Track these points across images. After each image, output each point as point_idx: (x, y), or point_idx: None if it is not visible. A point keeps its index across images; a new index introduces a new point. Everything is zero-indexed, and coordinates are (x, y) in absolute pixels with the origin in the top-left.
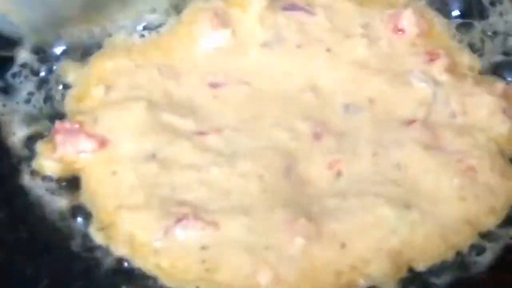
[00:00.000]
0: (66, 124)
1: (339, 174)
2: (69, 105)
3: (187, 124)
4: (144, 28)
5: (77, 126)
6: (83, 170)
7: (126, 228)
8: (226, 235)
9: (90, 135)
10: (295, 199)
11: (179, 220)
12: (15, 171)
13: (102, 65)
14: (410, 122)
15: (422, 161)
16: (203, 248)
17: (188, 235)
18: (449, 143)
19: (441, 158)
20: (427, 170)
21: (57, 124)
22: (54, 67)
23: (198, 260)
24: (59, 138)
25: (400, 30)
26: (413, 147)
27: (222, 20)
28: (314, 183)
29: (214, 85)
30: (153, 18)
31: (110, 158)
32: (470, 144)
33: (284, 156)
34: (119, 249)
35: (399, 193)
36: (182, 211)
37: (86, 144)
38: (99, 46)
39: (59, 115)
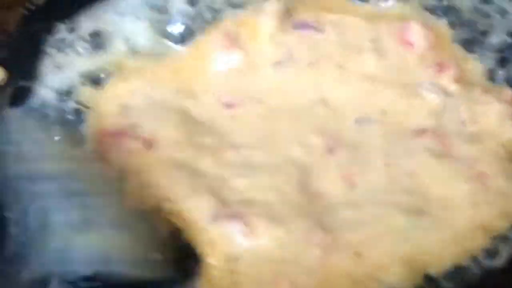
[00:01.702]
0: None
1: (353, 185)
2: (88, 129)
3: (206, 142)
4: (155, 52)
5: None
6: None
7: None
8: (259, 245)
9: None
10: (311, 212)
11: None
12: None
13: (116, 88)
14: (421, 132)
15: (433, 169)
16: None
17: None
18: (459, 150)
19: (452, 166)
20: (438, 177)
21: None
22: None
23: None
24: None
25: (408, 43)
26: (425, 156)
27: (233, 41)
28: (329, 195)
29: (229, 105)
30: (165, 42)
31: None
32: (480, 151)
33: (299, 170)
34: None
35: (412, 201)
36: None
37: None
38: (112, 72)
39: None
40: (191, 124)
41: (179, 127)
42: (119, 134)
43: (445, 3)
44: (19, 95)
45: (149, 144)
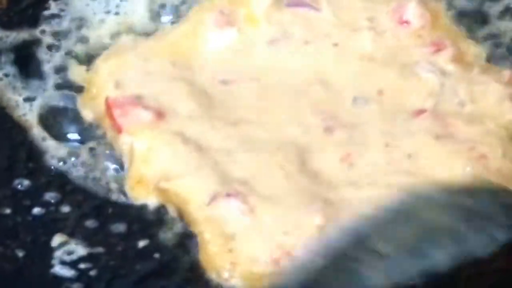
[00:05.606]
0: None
1: (351, 166)
2: (82, 107)
3: (216, 114)
4: (147, 29)
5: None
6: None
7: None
8: (258, 223)
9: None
10: (312, 190)
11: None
12: None
13: (108, 64)
14: (420, 112)
15: (433, 151)
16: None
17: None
18: (459, 131)
19: (452, 147)
20: (439, 159)
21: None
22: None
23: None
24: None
25: (405, 22)
26: (424, 137)
27: (228, 19)
28: (328, 175)
29: (225, 82)
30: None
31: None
32: (480, 132)
33: (298, 150)
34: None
35: (412, 183)
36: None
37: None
38: (103, 47)
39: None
40: (199, 95)
41: (189, 96)
42: (130, 103)
43: None
44: None
45: (160, 114)
